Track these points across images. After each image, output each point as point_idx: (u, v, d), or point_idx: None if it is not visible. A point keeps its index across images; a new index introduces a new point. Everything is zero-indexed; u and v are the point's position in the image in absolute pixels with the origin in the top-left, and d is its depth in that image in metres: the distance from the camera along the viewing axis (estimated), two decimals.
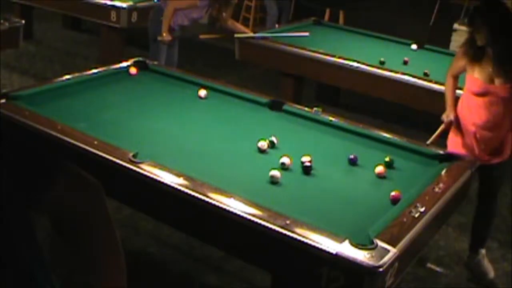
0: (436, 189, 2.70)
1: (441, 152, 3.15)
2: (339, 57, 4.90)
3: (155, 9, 5.36)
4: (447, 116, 3.55)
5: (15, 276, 1.24)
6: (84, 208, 1.33)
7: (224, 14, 5.35)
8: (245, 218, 2.35)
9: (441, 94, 4.47)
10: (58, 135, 2.92)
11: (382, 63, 4.92)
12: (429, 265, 3.72)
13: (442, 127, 3.59)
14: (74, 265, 1.33)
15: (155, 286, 3.26)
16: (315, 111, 3.51)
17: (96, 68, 4.02)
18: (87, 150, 2.79)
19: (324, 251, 2.17)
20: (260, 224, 2.31)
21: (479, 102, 3.40)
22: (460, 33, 6.72)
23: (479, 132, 3.43)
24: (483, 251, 3.63)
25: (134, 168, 2.65)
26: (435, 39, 6.20)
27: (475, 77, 3.39)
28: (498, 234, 4.13)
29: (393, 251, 2.19)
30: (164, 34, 5.13)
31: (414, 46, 5.63)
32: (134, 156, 2.72)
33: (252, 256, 2.52)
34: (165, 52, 5.29)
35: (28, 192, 1.26)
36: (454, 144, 3.53)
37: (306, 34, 5.33)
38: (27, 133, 3.02)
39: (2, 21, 5.06)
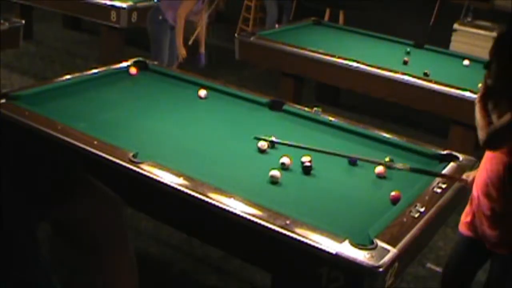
0: (436, 189, 2.70)
1: (441, 152, 3.15)
2: (339, 57, 4.90)
3: (153, 9, 5.37)
4: (467, 176, 2.81)
5: (17, 279, 1.24)
6: (103, 222, 1.32)
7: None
8: (245, 218, 2.35)
9: (441, 94, 4.50)
10: (58, 135, 2.92)
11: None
12: (429, 265, 3.72)
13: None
14: (87, 278, 1.32)
15: (155, 286, 3.26)
16: (315, 111, 3.51)
17: (96, 68, 4.03)
18: (87, 150, 2.80)
19: (324, 251, 2.17)
20: (260, 224, 2.31)
21: (487, 154, 2.59)
22: (460, 33, 6.74)
23: (480, 197, 2.59)
24: None
25: (134, 168, 2.65)
26: (435, 39, 6.19)
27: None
28: None
29: (393, 251, 2.19)
30: (181, 50, 5.19)
31: (466, 62, 5.25)
32: (134, 156, 2.72)
33: (252, 256, 2.52)
34: (166, 53, 5.30)
35: (43, 205, 1.25)
36: (464, 215, 2.75)
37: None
38: (27, 133, 3.02)
39: (2, 21, 5.06)
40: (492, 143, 2.49)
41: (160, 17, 5.22)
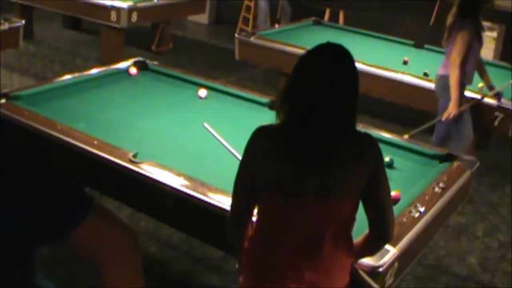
0: (436, 189, 2.70)
1: (441, 152, 3.15)
2: None
3: (438, 77, 4.22)
4: None
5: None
6: (113, 245, 1.31)
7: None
8: None
9: None
10: (58, 135, 2.92)
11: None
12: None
13: None
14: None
15: (155, 286, 3.26)
16: None
17: (96, 68, 4.03)
18: (87, 150, 2.80)
19: None
20: None
21: None
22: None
23: None
24: None
25: (134, 168, 2.65)
26: (435, 39, 6.19)
27: None
28: (498, 234, 4.13)
29: (393, 251, 2.19)
30: (454, 109, 4.00)
31: None
32: (134, 156, 2.72)
33: None
34: (467, 134, 4.21)
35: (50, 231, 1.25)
36: None
37: None
38: (27, 133, 3.02)
39: (2, 21, 5.07)
40: None
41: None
